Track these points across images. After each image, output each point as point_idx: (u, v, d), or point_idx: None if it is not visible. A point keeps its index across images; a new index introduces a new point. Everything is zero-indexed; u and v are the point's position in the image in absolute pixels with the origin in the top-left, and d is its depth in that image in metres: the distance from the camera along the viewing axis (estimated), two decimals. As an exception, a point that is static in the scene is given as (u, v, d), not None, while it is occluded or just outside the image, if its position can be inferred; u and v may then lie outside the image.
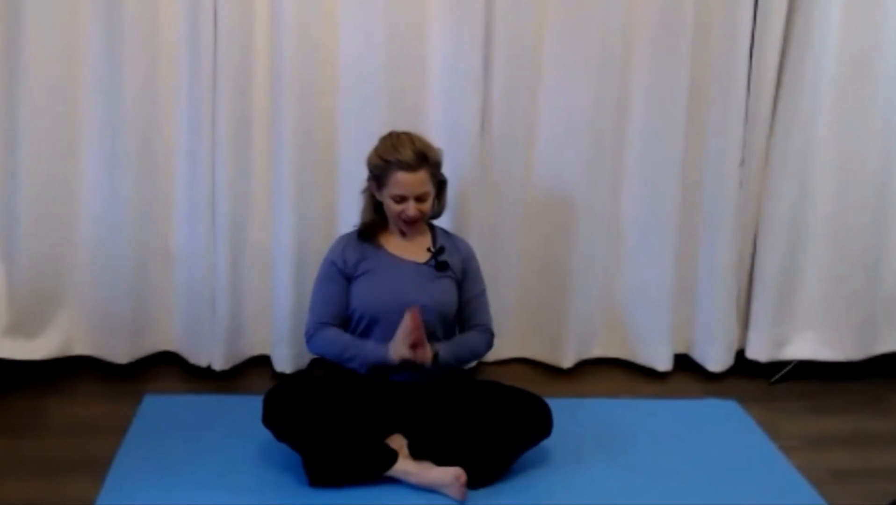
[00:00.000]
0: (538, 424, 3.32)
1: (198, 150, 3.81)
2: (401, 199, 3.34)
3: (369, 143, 3.45)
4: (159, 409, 3.74)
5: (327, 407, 3.22)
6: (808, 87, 3.96)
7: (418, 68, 3.85)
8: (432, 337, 3.35)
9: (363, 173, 3.47)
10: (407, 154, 3.30)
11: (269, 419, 3.25)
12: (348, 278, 3.42)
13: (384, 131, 3.47)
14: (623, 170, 4.08)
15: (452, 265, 3.47)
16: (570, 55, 3.90)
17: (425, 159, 3.33)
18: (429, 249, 3.46)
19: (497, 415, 3.27)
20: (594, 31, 3.87)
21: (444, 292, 3.42)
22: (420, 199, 3.35)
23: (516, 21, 3.82)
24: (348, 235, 3.50)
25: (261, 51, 3.77)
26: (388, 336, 3.30)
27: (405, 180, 3.31)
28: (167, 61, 3.75)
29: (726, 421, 3.89)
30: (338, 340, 3.39)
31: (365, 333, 3.40)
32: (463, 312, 3.53)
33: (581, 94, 3.94)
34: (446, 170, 3.50)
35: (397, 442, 3.29)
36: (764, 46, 3.93)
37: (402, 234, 3.46)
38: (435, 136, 3.63)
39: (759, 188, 4.13)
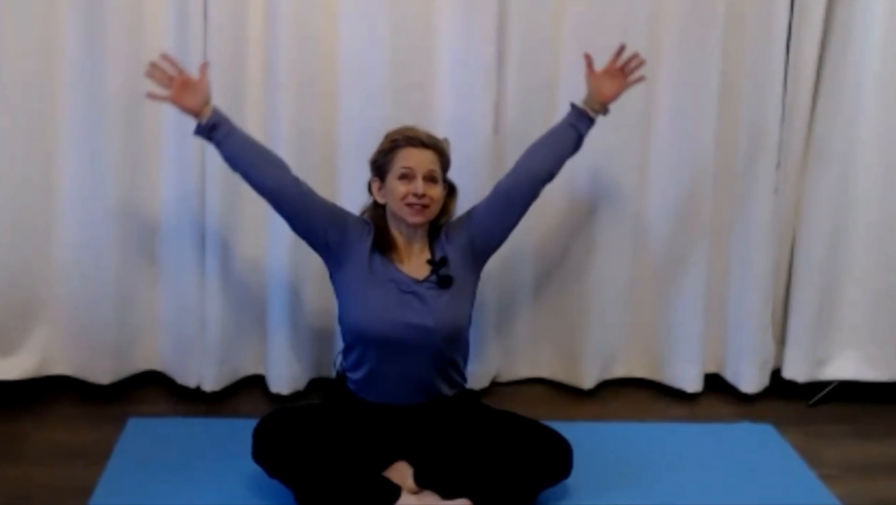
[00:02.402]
0: (556, 464, 3.29)
1: (186, 152, 3.80)
2: (408, 178, 3.29)
3: (372, 144, 3.43)
4: (144, 433, 3.73)
5: (322, 441, 3.21)
6: (849, 84, 3.95)
7: (426, 63, 3.84)
8: (440, 359, 3.34)
9: (366, 176, 3.45)
10: (416, 133, 3.34)
11: (260, 455, 3.24)
12: (339, 241, 3.35)
13: (387, 130, 3.46)
14: (648, 173, 4.06)
15: (461, 260, 3.41)
16: (591, 49, 3.84)
17: (435, 144, 3.35)
18: (428, 262, 3.39)
19: (512, 451, 3.24)
20: (617, 22, 3.85)
21: (449, 310, 3.34)
22: (429, 179, 3.31)
23: (532, 12, 3.81)
24: (366, 226, 3.43)
25: (255, 44, 3.77)
26: (386, 365, 3.30)
27: (413, 154, 3.30)
28: (153, 55, 3.69)
29: (761, 447, 3.87)
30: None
31: (360, 362, 3.35)
32: (507, 194, 3.46)
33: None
34: (456, 173, 3.48)
35: (401, 471, 3.27)
36: (802, 39, 3.92)
37: (404, 234, 3.39)
38: (445, 128, 3.62)
39: (796, 193, 4.12)
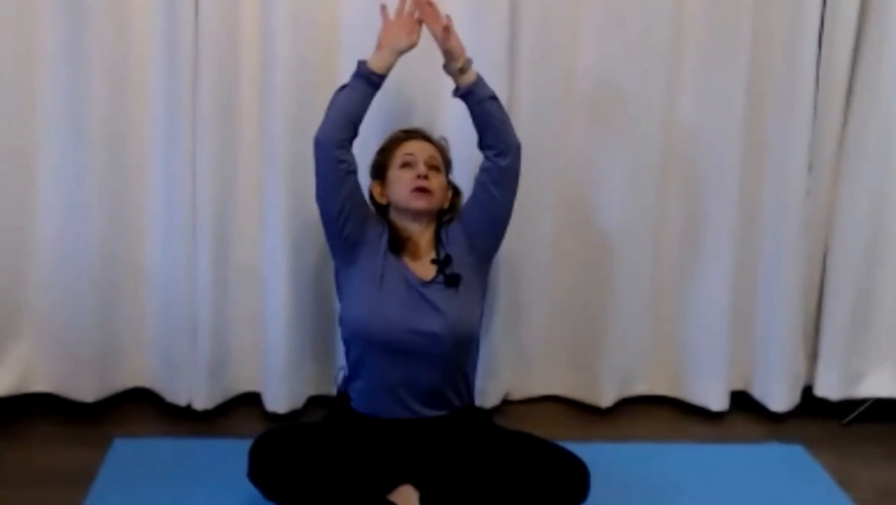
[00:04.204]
0: (572, 488, 3.24)
1: (175, 152, 3.78)
2: (410, 165, 3.40)
3: (374, 141, 3.46)
4: (131, 454, 3.71)
5: (323, 460, 3.19)
6: (886, 79, 3.94)
7: (432, 56, 3.79)
8: (448, 365, 3.33)
9: (367, 172, 3.47)
10: (413, 128, 3.51)
11: (256, 475, 3.21)
12: (357, 237, 3.36)
13: (392, 130, 3.50)
14: (670, 176, 4.04)
15: (465, 258, 3.42)
16: (612, 41, 3.87)
17: (434, 140, 3.50)
18: (432, 261, 3.41)
19: (524, 474, 3.20)
20: (638, 10, 3.85)
21: (458, 312, 3.35)
22: (431, 167, 3.41)
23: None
24: (382, 227, 3.45)
25: (248, 35, 3.75)
26: (390, 370, 3.29)
27: (413, 144, 3.47)
28: (139, 48, 3.74)
29: (792, 469, 3.86)
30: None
31: (360, 364, 3.36)
32: (485, 187, 3.42)
33: (622, 85, 3.91)
34: (465, 177, 3.45)
35: (407, 495, 3.23)
36: (835, 31, 3.90)
37: (412, 234, 3.42)
38: (451, 138, 3.63)
39: (829, 198, 4.10)
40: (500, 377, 4.11)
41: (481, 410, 3.59)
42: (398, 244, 3.38)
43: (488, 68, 3.74)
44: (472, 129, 3.65)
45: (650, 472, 3.73)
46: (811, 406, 4.22)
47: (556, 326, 4.16)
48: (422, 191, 3.36)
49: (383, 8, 3.40)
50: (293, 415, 3.98)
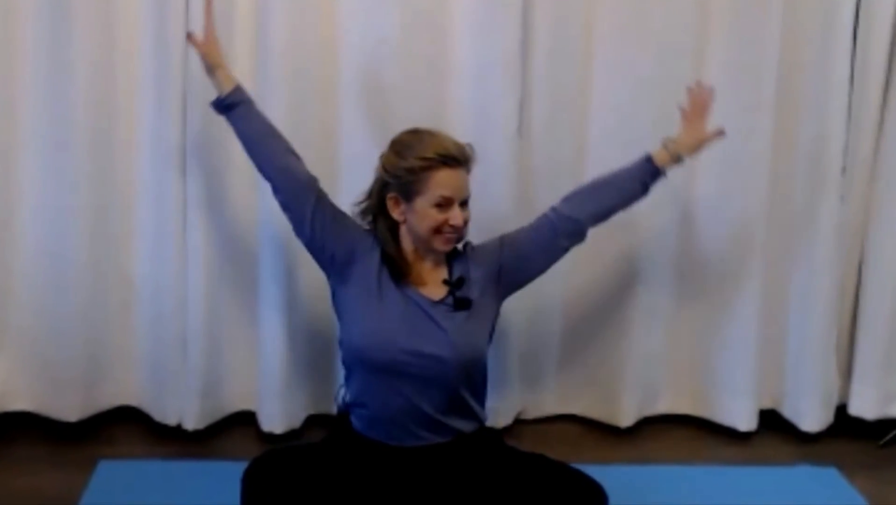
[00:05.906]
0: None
1: (164, 157, 3.76)
2: (446, 205, 3.24)
3: (379, 148, 3.36)
4: (117, 477, 3.72)
5: (323, 486, 3.14)
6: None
7: (440, 55, 3.83)
8: (452, 393, 3.27)
9: (368, 178, 3.36)
10: (450, 147, 3.25)
11: (251, 503, 3.15)
12: (346, 255, 3.30)
13: (396, 132, 3.38)
14: (695, 179, 4.02)
15: (483, 284, 3.36)
16: (629, 43, 3.85)
17: (468, 159, 3.30)
18: (444, 282, 3.34)
19: (539, 499, 3.15)
20: (659, 9, 3.82)
21: (466, 336, 3.29)
22: (464, 204, 3.29)
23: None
24: (373, 239, 3.37)
25: (243, 31, 3.73)
26: (391, 397, 3.23)
27: (451, 179, 3.23)
28: (127, 44, 3.73)
29: (825, 492, 3.87)
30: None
31: (362, 391, 3.30)
32: (555, 233, 3.43)
33: (643, 83, 3.89)
34: (475, 180, 3.39)
35: (413, 525, 3.21)
36: (871, 25, 3.88)
37: (419, 252, 3.34)
38: (460, 139, 3.53)
39: (865, 203, 4.08)
40: (512, 395, 4.09)
41: (492, 431, 3.54)
42: (399, 264, 3.31)
43: (501, 69, 3.75)
44: (485, 121, 3.78)
45: (673, 496, 3.74)
46: (845, 426, 4.21)
47: (573, 340, 4.15)
48: (452, 236, 3.29)
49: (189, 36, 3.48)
50: (290, 435, 3.97)
